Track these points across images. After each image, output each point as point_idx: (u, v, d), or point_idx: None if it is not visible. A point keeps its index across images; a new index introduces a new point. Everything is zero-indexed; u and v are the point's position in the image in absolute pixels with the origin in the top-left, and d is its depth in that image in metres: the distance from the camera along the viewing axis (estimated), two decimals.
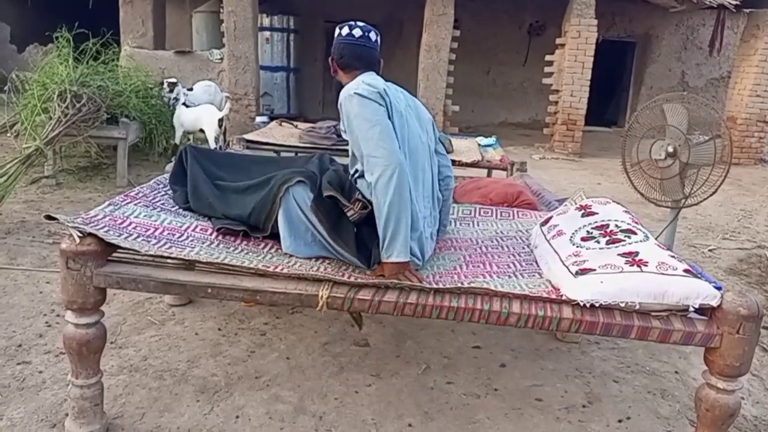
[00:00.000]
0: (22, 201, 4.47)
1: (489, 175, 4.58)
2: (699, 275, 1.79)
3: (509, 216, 2.88)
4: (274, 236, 2.13)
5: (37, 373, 2.26)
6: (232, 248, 2.09)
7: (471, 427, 2.13)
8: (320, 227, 2.03)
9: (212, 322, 2.75)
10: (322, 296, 1.78)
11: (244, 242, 2.16)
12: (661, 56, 11.89)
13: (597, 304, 1.74)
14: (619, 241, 1.98)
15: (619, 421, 2.23)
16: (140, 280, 1.80)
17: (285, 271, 1.88)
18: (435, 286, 1.85)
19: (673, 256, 1.87)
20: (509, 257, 2.27)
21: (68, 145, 5.25)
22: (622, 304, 1.73)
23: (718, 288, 1.75)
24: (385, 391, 2.31)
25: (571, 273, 1.85)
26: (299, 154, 4.35)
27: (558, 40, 9.03)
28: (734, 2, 8.72)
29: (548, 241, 2.17)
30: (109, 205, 2.14)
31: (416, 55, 9.07)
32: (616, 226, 2.08)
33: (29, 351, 2.42)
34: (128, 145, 5.25)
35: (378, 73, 2.19)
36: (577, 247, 2.02)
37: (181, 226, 2.19)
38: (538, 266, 2.13)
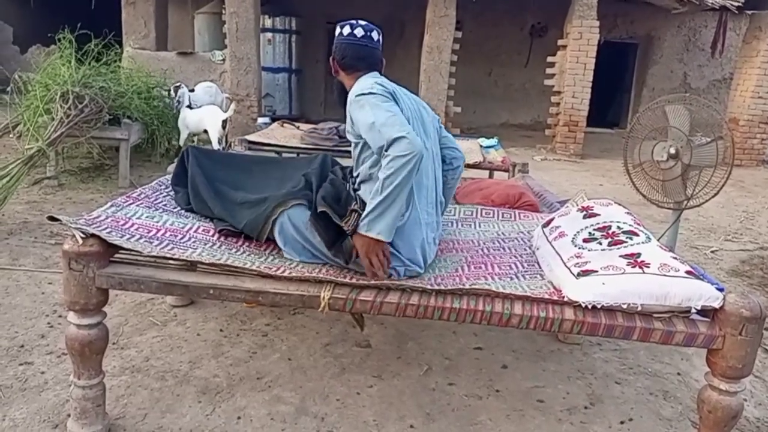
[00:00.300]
0: (24, 202, 4.48)
1: (491, 176, 4.57)
2: (701, 277, 1.79)
3: (511, 217, 2.88)
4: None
5: (40, 374, 2.27)
6: (234, 249, 2.09)
7: (472, 428, 2.13)
8: (319, 245, 2.00)
9: (214, 323, 2.75)
10: (323, 297, 1.78)
11: (246, 243, 2.16)
12: (663, 58, 11.89)
13: (599, 306, 1.74)
14: (621, 242, 1.98)
15: (621, 422, 2.23)
16: (142, 281, 1.80)
17: (287, 273, 1.88)
18: (437, 287, 1.85)
19: (675, 258, 1.87)
20: (511, 259, 2.27)
21: (70, 146, 5.26)
22: (624, 306, 1.73)
23: (721, 289, 1.74)
24: (387, 392, 2.30)
25: (573, 274, 1.85)
26: (300, 155, 4.36)
27: (560, 42, 9.03)
28: (736, 4, 8.72)
29: (550, 242, 2.17)
30: (112, 206, 2.14)
31: (418, 56, 9.07)
32: (618, 227, 2.08)
33: (31, 352, 2.43)
34: (130, 146, 5.25)
35: (380, 74, 2.19)
36: (579, 248, 2.02)
37: (183, 227, 2.19)
38: (540, 268, 2.13)
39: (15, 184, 4.07)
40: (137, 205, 2.24)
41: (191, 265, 1.89)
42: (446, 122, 8.87)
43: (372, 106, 1.93)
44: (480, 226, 2.74)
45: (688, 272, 1.77)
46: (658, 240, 2.05)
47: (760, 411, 2.38)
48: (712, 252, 4.52)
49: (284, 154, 4.47)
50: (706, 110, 3.35)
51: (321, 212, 1.97)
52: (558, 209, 2.62)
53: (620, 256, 1.89)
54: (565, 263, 1.95)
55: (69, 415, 1.93)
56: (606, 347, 2.79)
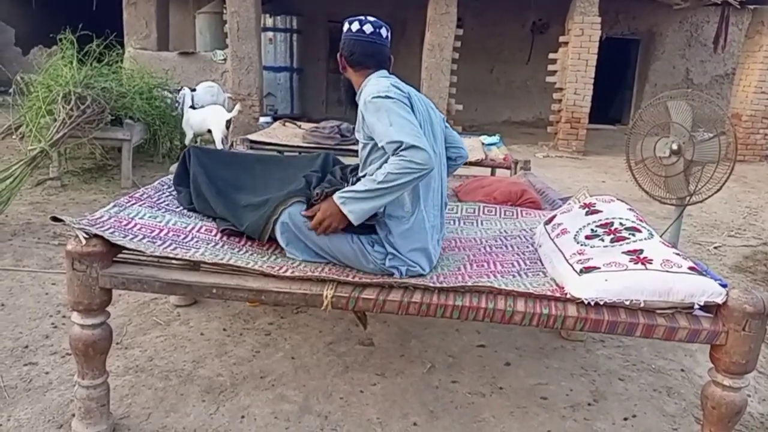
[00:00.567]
0: (27, 203, 4.49)
1: (493, 173, 4.58)
2: (704, 272, 1.79)
3: (513, 215, 2.88)
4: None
5: (44, 374, 2.28)
6: (236, 249, 2.09)
7: (476, 425, 2.13)
8: (321, 243, 2.01)
9: (217, 323, 2.76)
10: (326, 296, 1.79)
11: (249, 243, 2.16)
12: (665, 53, 11.86)
13: (602, 302, 1.73)
14: (624, 239, 1.98)
15: (625, 419, 2.23)
16: (145, 281, 1.81)
17: (289, 272, 1.88)
18: (439, 285, 1.85)
19: (677, 254, 1.86)
20: (513, 256, 2.27)
21: (73, 147, 5.28)
22: (627, 302, 1.73)
23: (724, 285, 1.74)
24: (390, 390, 2.31)
25: (576, 271, 1.85)
26: (302, 154, 4.36)
27: (561, 39, 9.02)
28: None
29: (552, 239, 2.17)
30: (114, 206, 2.15)
31: (419, 54, 9.07)
32: (621, 224, 2.07)
33: (36, 352, 2.43)
34: (132, 146, 5.26)
35: (389, 71, 2.17)
36: (582, 245, 2.01)
37: (185, 227, 2.19)
38: (543, 265, 2.13)
39: (18, 185, 4.08)
40: (140, 205, 2.24)
41: (194, 265, 1.90)
42: (448, 120, 8.78)
43: (389, 112, 1.90)
44: (482, 224, 2.74)
45: (690, 268, 1.77)
46: (660, 236, 2.05)
47: (764, 407, 2.38)
48: (715, 248, 4.52)
49: (286, 153, 4.48)
50: (708, 106, 3.34)
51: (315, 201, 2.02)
52: (560, 206, 2.62)
53: (623, 252, 1.89)
54: (567, 260, 1.95)
55: (73, 415, 1.94)
56: (609, 344, 2.79)
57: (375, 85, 2.02)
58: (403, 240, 1.99)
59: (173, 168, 2.67)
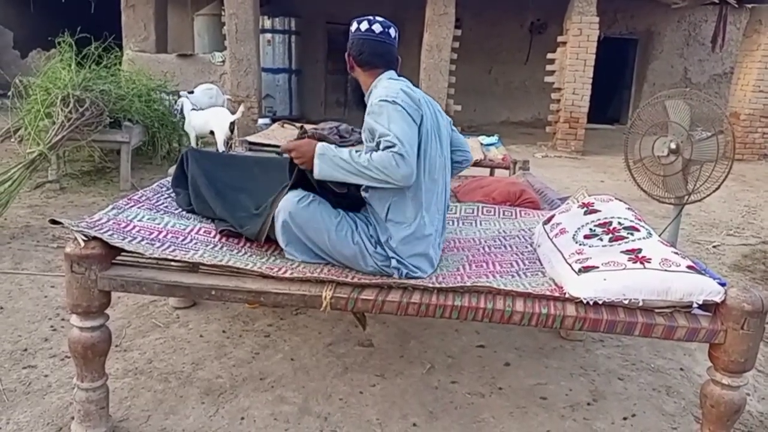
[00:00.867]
0: (26, 206, 4.49)
1: (492, 174, 4.57)
2: (702, 271, 1.79)
3: (512, 215, 2.88)
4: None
5: (43, 377, 2.27)
6: (235, 250, 2.10)
7: (476, 426, 2.13)
8: (321, 243, 2.02)
9: (216, 325, 2.76)
10: (325, 297, 1.79)
11: (248, 244, 2.16)
12: (663, 53, 11.87)
13: (600, 302, 1.74)
14: (622, 238, 1.98)
15: (624, 418, 2.23)
16: (144, 283, 1.81)
17: (288, 273, 1.88)
18: (438, 285, 1.85)
19: (676, 253, 1.87)
20: (512, 256, 2.27)
21: (72, 150, 5.28)
22: (626, 301, 1.73)
23: (723, 284, 1.74)
24: (390, 391, 2.31)
25: (575, 271, 1.85)
26: None
27: (560, 38, 9.02)
28: None
29: (551, 239, 2.17)
30: (113, 208, 2.15)
31: (418, 55, 9.07)
32: (619, 223, 2.08)
33: (35, 355, 2.43)
34: (131, 148, 5.26)
35: (397, 72, 2.16)
36: (580, 244, 2.02)
37: (184, 229, 2.19)
38: (541, 265, 2.13)
39: (17, 188, 4.08)
40: (139, 208, 2.24)
41: (193, 267, 1.90)
42: None
43: (390, 117, 1.90)
44: (481, 224, 2.74)
45: (689, 267, 1.77)
46: (659, 235, 2.05)
47: (763, 405, 2.38)
48: (714, 247, 4.52)
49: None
50: (706, 105, 3.34)
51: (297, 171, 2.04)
52: (559, 206, 2.62)
53: (621, 251, 1.89)
54: (566, 260, 1.95)
55: (72, 418, 1.94)
56: (608, 343, 2.79)
57: (385, 88, 2.01)
58: (405, 245, 2.00)
59: (172, 170, 2.67)
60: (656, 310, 1.74)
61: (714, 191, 3.41)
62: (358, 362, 2.50)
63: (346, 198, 2.07)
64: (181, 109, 5.98)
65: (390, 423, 2.11)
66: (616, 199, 2.31)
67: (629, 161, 3.59)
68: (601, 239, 2.01)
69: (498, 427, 2.13)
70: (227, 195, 2.34)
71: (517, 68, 12.05)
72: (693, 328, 1.71)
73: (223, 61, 8.87)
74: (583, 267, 1.85)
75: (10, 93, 5.55)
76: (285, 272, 1.88)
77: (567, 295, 1.79)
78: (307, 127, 5.26)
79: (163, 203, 2.39)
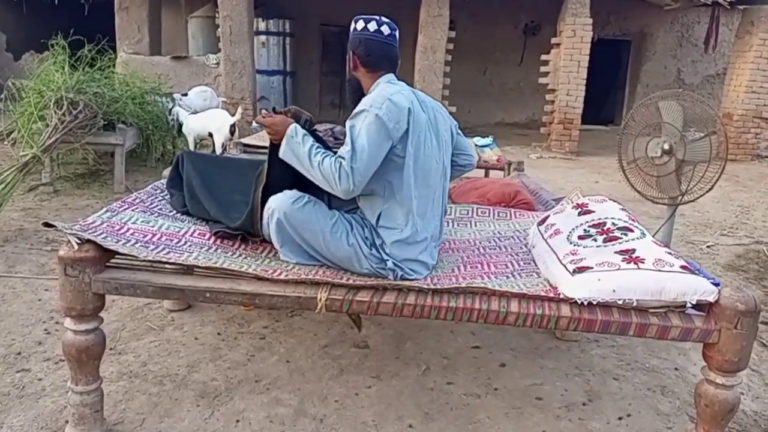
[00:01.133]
0: (19, 209, 4.47)
1: (486, 175, 4.58)
2: (696, 271, 1.80)
3: (507, 216, 2.88)
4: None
5: (37, 381, 2.26)
6: (230, 253, 2.09)
7: (471, 427, 2.13)
8: (315, 244, 2.02)
9: (211, 327, 2.75)
10: (320, 299, 1.79)
11: (242, 247, 2.16)
12: (656, 54, 11.92)
13: (595, 302, 1.74)
14: (616, 238, 1.99)
15: (619, 418, 2.23)
16: (139, 286, 1.80)
17: (283, 275, 1.88)
18: (433, 287, 1.85)
19: (670, 253, 1.88)
20: (507, 257, 2.28)
21: (65, 152, 5.25)
22: (620, 302, 1.74)
23: (716, 284, 1.75)
24: (386, 393, 2.31)
25: (569, 271, 1.85)
26: None
27: (553, 40, 9.05)
28: None
29: (546, 240, 2.18)
30: (107, 211, 2.14)
31: (412, 57, 9.08)
32: (613, 224, 2.08)
33: (28, 359, 2.42)
34: (125, 151, 5.25)
35: (396, 73, 2.14)
36: (575, 245, 2.02)
37: (179, 231, 2.19)
38: (536, 266, 2.14)
39: (10, 191, 4.06)
40: (133, 210, 2.24)
41: (187, 269, 1.90)
42: None
43: (362, 130, 1.91)
44: (476, 226, 2.75)
45: (682, 267, 1.78)
46: (653, 236, 2.06)
47: (757, 404, 2.39)
48: (707, 247, 4.54)
49: None
50: (699, 105, 3.36)
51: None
52: (553, 207, 2.63)
53: (615, 252, 1.90)
54: (560, 260, 1.96)
55: (67, 422, 1.93)
56: (603, 344, 2.80)
57: (379, 93, 2.00)
58: (398, 250, 2.00)
59: (166, 172, 2.67)
60: (650, 310, 1.75)
61: (707, 191, 3.43)
62: (353, 364, 2.50)
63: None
64: (177, 118, 5.96)
65: (386, 424, 2.11)
66: (610, 199, 2.32)
67: (623, 162, 3.61)
68: (596, 240, 2.02)
69: (493, 428, 2.13)
70: (222, 196, 2.33)
71: (512, 70, 12.08)
72: (687, 327, 1.71)
73: (218, 64, 8.85)
74: (577, 267, 1.85)
75: (3, 96, 5.53)
76: (280, 274, 1.88)
77: (562, 296, 1.80)
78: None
79: (157, 206, 2.38)
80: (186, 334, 2.68)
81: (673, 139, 3.33)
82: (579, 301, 1.75)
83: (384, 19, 2.11)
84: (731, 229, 5.12)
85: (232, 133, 5.60)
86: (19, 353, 2.46)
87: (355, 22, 2.12)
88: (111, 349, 2.48)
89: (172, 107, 6.09)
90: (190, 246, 2.08)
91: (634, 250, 1.88)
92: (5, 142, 5.39)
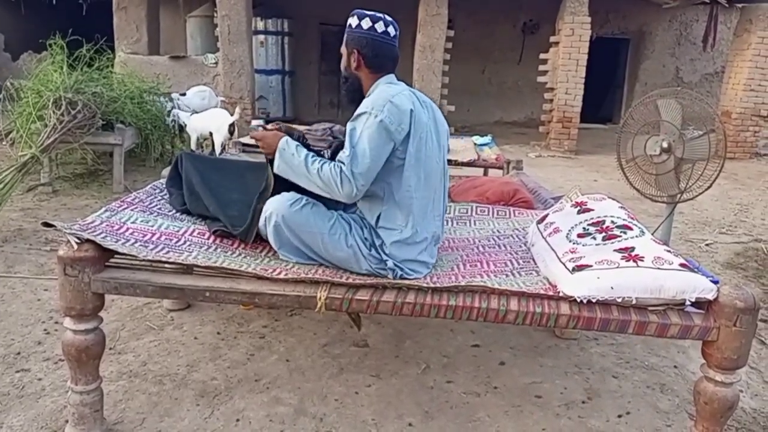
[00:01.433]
0: (18, 209, 4.47)
1: (485, 174, 4.58)
2: (695, 269, 1.80)
3: (506, 215, 2.89)
4: None
5: (37, 381, 2.26)
6: (229, 252, 2.09)
7: (471, 425, 2.13)
8: (314, 246, 2.01)
9: (211, 326, 2.75)
10: (320, 298, 1.79)
11: (242, 246, 2.16)
12: (655, 52, 11.93)
13: (594, 300, 1.74)
14: (615, 236, 1.99)
15: (619, 416, 2.24)
16: (138, 285, 1.80)
17: (283, 274, 1.88)
18: (433, 285, 1.85)
19: (669, 251, 1.88)
20: (506, 256, 2.28)
21: (64, 152, 5.25)
22: (619, 300, 1.74)
23: (715, 282, 1.76)
24: (385, 391, 2.31)
25: (568, 269, 1.86)
26: None
27: (552, 39, 9.06)
28: None
29: (545, 238, 2.18)
30: (106, 211, 2.14)
31: (411, 56, 9.08)
32: (612, 222, 2.09)
33: (28, 358, 2.42)
34: (124, 151, 5.24)
35: (395, 73, 2.13)
36: (574, 243, 2.02)
37: (178, 231, 2.19)
38: (535, 264, 2.14)
39: (9, 191, 4.06)
40: (132, 210, 2.24)
41: (187, 269, 1.90)
42: None
43: (362, 134, 1.91)
44: (475, 224, 2.75)
45: (682, 265, 1.78)
46: (652, 234, 2.07)
47: (756, 402, 2.39)
48: (706, 245, 4.54)
49: None
50: (697, 103, 3.36)
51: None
52: (552, 205, 2.63)
53: (614, 250, 1.90)
54: (560, 259, 1.96)
55: (67, 422, 1.93)
56: (603, 342, 2.81)
57: (380, 95, 1.98)
58: (398, 250, 2.00)
59: (165, 172, 2.67)
60: (649, 308, 1.75)
61: (706, 189, 3.43)
62: (353, 363, 2.50)
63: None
64: (177, 119, 5.95)
65: (386, 423, 2.12)
66: (609, 198, 2.32)
67: (622, 160, 3.60)
68: (595, 238, 2.02)
69: (493, 426, 2.13)
70: (220, 193, 2.33)
71: (510, 68, 12.09)
72: (686, 325, 1.72)
73: (216, 63, 8.84)
74: (576, 266, 1.86)
75: (1, 96, 5.52)
76: (279, 273, 1.88)
77: (561, 294, 1.80)
78: (298, 128, 5.23)
79: (156, 205, 2.38)
80: (186, 333, 2.68)
81: (671, 137, 3.33)
82: (578, 299, 1.75)
83: (389, 18, 2.08)
84: (730, 227, 5.13)
85: (231, 132, 5.58)
86: (19, 353, 2.46)
87: (360, 20, 2.05)
88: (111, 348, 2.48)
89: (171, 109, 6.08)
90: (189, 245, 2.08)
91: (633, 248, 1.88)
92: (4, 143, 5.38)
